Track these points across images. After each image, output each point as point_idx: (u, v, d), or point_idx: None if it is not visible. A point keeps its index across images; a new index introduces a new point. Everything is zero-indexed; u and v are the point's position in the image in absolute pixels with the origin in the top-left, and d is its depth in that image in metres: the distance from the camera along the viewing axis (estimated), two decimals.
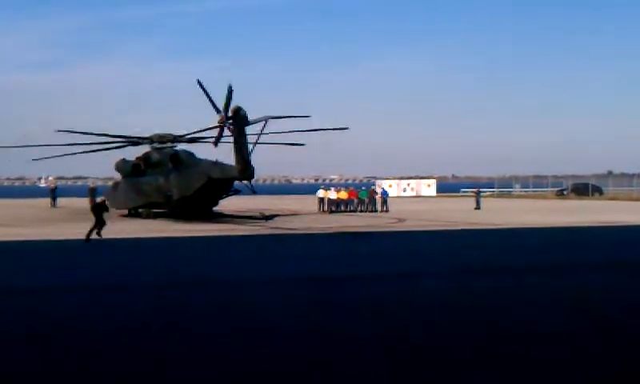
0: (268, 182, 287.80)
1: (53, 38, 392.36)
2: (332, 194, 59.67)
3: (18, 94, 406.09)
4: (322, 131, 54.16)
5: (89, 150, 54.28)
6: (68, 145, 53.27)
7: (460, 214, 52.99)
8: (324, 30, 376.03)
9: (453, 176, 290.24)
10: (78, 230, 33.14)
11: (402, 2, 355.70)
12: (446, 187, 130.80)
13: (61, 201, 70.10)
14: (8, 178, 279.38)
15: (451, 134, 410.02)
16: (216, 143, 43.88)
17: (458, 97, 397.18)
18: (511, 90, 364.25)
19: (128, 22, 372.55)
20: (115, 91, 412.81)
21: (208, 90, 41.36)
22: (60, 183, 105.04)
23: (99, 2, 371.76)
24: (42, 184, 75.08)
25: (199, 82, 41.79)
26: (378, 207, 59.23)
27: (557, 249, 28.50)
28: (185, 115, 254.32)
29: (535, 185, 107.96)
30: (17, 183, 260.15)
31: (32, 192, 68.43)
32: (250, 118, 43.01)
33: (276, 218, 47.91)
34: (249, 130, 42.93)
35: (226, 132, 42.84)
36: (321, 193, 60.18)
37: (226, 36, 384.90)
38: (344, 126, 53.27)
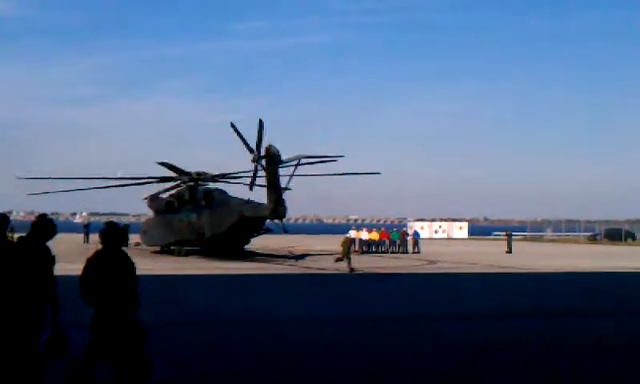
0: (300, 220, 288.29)
1: (95, 74, 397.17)
2: (364, 235, 59.78)
3: (59, 128, 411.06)
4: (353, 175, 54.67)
5: (122, 184, 54.87)
6: (102, 178, 54.18)
7: (491, 256, 52.76)
8: (357, 70, 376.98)
9: (485, 218, 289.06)
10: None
11: (439, 39, 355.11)
12: (477, 230, 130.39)
13: (93, 237, 70.67)
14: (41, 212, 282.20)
15: (484, 175, 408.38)
16: (251, 187, 44.29)
17: (491, 139, 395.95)
18: (544, 133, 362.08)
19: (167, 59, 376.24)
20: (153, 128, 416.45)
21: (244, 129, 42.05)
22: (93, 219, 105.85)
23: (139, 39, 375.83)
24: (77, 220, 75.92)
25: (232, 125, 42.54)
26: (410, 248, 59.26)
27: (585, 294, 28.35)
28: (222, 153, 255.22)
29: (567, 229, 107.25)
30: (50, 217, 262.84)
31: (66, 227, 69.67)
32: (283, 157, 43.52)
33: (307, 258, 48.05)
34: (282, 169, 43.51)
35: (260, 170, 43.36)
36: (352, 233, 60.25)
37: (263, 74, 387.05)
38: (376, 171, 53.54)
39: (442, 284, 32.96)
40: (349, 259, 37.31)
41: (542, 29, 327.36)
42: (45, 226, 10.12)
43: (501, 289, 30.64)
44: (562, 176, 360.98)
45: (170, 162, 50.08)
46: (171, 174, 51.88)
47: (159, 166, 49.74)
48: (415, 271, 39.31)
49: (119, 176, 53.84)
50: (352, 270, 36.28)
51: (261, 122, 42.25)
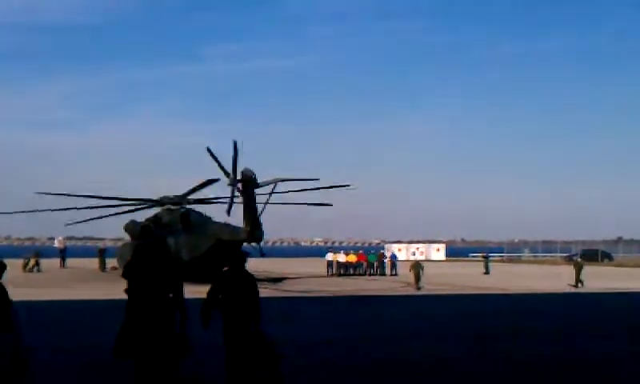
0: (277, 244, 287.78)
1: (66, 99, 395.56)
2: (341, 258, 59.81)
3: (29, 153, 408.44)
4: (330, 190, 54.54)
5: (100, 215, 54.75)
6: (82, 208, 53.90)
7: (468, 278, 52.94)
8: (332, 90, 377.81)
9: (462, 240, 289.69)
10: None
11: (407, 61, 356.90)
12: (455, 251, 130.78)
13: (70, 261, 70.35)
14: (18, 238, 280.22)
15: (461, 197, 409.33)
16: (229, 211, 44.17)
17: (467, 161, 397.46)
18: (519, 154, 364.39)
19: (140, 83, 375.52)
20: (127, 153, 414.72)
21: (220, 153, 41.91)
22: (69, 243, 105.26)
23: (112, 63, 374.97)
24: (56, 245, 75.76)
25: (209, 150, 42.47)
26: (387, 271, 59.36)
27: (564, 315, 28.45)
28: (196, 177, 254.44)
29: (544, 250, 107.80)
30: (27, 243, 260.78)
31: (44, 252, 69.75)
32: (260, 180, 43.49)
33: (285, 281, 47.98)
34: (258, 192, 43.43)
35: (237, 193, 43.29)
36: (330, 256, 60.29)
37: (239, 97, 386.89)
38: (345, 184, 53.18)
39: (420, 305, 32.97)
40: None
41: (517, 52, 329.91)
42: None
43: (472, 311, 30.68)
44: (538, 197, 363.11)
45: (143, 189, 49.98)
46: (149, 197, 51.87)
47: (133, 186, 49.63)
48: (394, 293, 39.36)
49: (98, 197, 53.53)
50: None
51: (235, 144, 42.30)
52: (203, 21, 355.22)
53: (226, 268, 12.41)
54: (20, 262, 57.93)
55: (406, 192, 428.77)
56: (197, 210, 51.81)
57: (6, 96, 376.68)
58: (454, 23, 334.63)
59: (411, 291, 40.54)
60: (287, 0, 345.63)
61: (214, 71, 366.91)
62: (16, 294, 12.27)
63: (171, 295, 11.90)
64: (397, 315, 28.22)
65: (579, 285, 44.16)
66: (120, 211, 54.58)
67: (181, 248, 46.63)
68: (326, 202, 55.10)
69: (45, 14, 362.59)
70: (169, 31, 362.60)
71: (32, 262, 59.57)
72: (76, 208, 54.15)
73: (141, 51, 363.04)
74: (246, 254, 13.02)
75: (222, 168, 42.80)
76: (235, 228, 44.81)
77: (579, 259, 50.14)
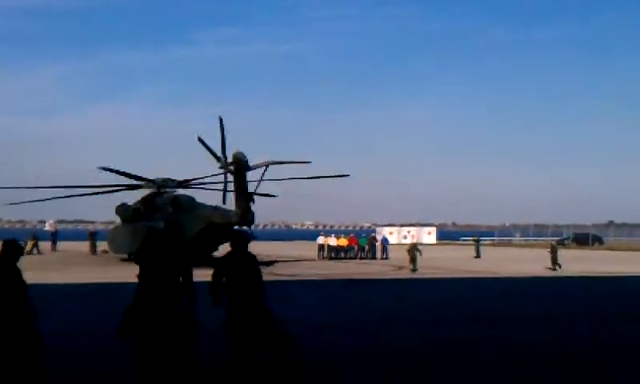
0: (268, 227, 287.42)
1: (59, 83, 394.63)
2: (332, 241, 59.80)
3: (23, 137, 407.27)
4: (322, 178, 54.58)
5: (91, 192, 54.60)
6: (69, 187, 53.78)
7: (459, 262, 53.00)
8: (326, 75, 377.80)
9: (453, 224, 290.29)
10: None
11: (407, 47, 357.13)
12: (446, 235, 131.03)
13: (60, 244, 70.17)
14: (9, 221, 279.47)
15: (453, 181, 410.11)
16: (224, 197, 44.04)
17: (460, 145, 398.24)
18: (513, 137, 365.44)
19: (133, 67, 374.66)
20: (119, 136, 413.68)
21: (213, 137, 41.93)
22: (61, 226, 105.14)
23: (109, 47, 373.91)
24: (47, 228, 75.42)
25: (200, 139, 42.52)
26: (378, 254, 59.37)
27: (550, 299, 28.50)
28: (187, 161, 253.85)
29: (536, 234, 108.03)
30: (17, 225, 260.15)
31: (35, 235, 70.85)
32: (251, 163, 43.38)
33: (276, 264, 47.91)
34: (249, 175, 43.36)
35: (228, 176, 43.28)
36: (321, 239, 60.26)
37: (234, 82, 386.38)
38: (345, 173, 53.24)
39: (401, 290, 32.96)
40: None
41: (508, 39, 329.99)
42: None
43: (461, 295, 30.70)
44: (529, 181, 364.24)
45: (118, 168, 49.64)
46: (138, 181, 51.69)
47: (104, 171, 49.24)
48: (383, 277, 39.41)
49: (87, 185, 53.47)
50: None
51: (221, 120, 42.36)
52: (198, 5, 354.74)
53: (228, 250, 12.55)
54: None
55: (399, 177, 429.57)
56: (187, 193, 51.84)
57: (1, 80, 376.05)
58: (452, 10, 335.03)
59: (401, 274, 40.65)
60: None
61: (207, 55, 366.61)
62: None
63: (181, 279, 12.15)
64: (384, 299, 28.25)
65: (556, 267, 44.81)
66: (111, 191, 54.38)
67: None
68: (340, 174, 53.92)
69: None
70: (163, 16, 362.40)
71: (30, 244, 59.61)
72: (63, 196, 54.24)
73: (136, 35, 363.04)
74: (248, 236, 13.03)
75: (214, 155, 42.85)
76: (226, 211, 44.72)
77: (554, 242, 50.74)
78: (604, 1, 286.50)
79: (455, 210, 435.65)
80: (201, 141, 42.90)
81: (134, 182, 52.34)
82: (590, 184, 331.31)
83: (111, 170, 49.28)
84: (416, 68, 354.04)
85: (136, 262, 12.37)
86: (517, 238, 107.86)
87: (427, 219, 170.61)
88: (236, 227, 45.40)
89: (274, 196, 55.55)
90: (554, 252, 45.93)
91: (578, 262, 51.97)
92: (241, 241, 12.58)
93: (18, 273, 11.35)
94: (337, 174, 53.20)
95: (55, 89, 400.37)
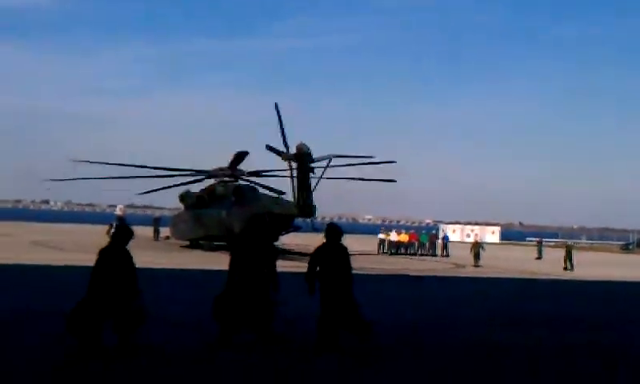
0: (335, 219, 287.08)
1: (129, 67, 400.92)
2: (393, 236, 59.96)
3: (90, 120, 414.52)
4: (384, 168, 54.55)
5: (157, 175, 55.32)
6: (137, 177, 54.59)
7: (518, 262, 52.78)
8: (386, 70, 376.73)
9: (520, 223, 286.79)
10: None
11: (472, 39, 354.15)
12: (512, 235, 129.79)
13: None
14: (79, 204, 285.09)
15: (522, 180, 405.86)
16: (294, 191, 44.40)
17: (528, 144, 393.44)
18: (582, 137, 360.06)
19: (199, 55, 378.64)
20: (185, 123, 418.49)
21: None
22: (130, 211, 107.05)
23: (174, 34, 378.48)
24: (117, 212, 77.22)
25: (268, 146, 43.08)
26: (438, 251, 59.28)
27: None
28: (253, 151, 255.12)
29: (601, 237, 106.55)
30: (87, 209, 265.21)
31: (104, 218, 72.85)
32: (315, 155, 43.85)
33: None
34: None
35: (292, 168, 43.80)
36: (382, 234, 60.48)
37: (296, 72, 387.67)
38: (392, 179, 52.95)
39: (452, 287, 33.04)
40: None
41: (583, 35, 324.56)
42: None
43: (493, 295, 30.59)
44: (605, 184, 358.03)
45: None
46: (207, 168, 52.57)
47: (188, 156, 50.04)
48: (441, 274, 39.53)
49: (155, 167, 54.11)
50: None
51: (276, 106, 42.91)
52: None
53: (323, 241, 14.00)
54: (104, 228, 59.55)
55: (465, 174, 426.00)
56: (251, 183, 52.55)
57: (73, 62, 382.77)
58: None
59: (456, 272, 40.85)
60: None
61: (271, 46, 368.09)
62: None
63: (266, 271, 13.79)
64: (435, 296, 28.40)
65: (569, 267, 47.09)
66: (177, 183, 55.28)
67: (233, 220, 47.18)
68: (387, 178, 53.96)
69: None
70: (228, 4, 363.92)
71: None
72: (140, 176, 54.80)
73: (199, 23, 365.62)
74: (341, 230, 14.27)
75: (280, 154, 43.50)
76: (286, 202, 45.28)
77: (570, 243, 53.00)
78: None
79: (523, 210, 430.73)
80: (269, 148, 43.45)
81: (206, 169, 53.24)
82: None
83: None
84: (480, 63, 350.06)
85: (232, 253, 14.01)
86: (582, 241, 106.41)
87: (494, 218, 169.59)
88: (298, 219, 46.10)
89: (393, 181, 54.73)
90: (568, 252, 48.33)
91: (619, 267, 51.83)
92: (334, 234, 14.04)
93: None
94: (383, 179, 52.93)
95: (126, 71, 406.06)
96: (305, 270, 14.02)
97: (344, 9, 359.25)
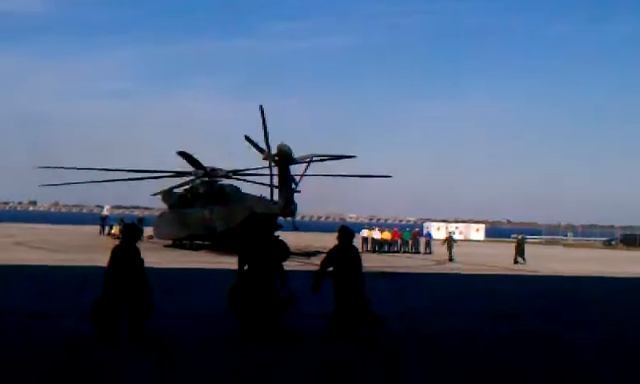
0: (323, 218, 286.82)
1: (124, 69, 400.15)
2: (376, 234, 60.27)
3: (84, 122, 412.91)
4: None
5: (139, 177, 55.40)
6: (122, 170, 54.82)
7: (498, 258, 53.20)
8: (380, 70, 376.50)
9: (507, 221, 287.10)
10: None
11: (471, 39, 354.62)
12: (498, 232, 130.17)
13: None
14: (65, 205, 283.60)
15: (508, 178, 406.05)
16: (272, 190, 44.84)
17: (516, 143, 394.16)
18: (568, 136, 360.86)
19: (198, 55, 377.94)
20: (173, 124, 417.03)
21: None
22: (118, 212, 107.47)
23: (171, 35, 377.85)
24: (104, 212, 77.72)
25: (246, 137, 43.63)
26: (421, 249, 59.56)
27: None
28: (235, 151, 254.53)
29: (585, 234, 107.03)
30: (74, 210, 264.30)
31: (92, 219, 73.15)
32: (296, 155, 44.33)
33: (317, 256, 48.44)
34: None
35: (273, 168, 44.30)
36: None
37: (292, 74, 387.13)
38: (388, 174, 53.96)
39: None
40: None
41: (571, 35, 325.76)
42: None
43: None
44: (591, 181, 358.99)
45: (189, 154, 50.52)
46: (187, 168, 52.50)
47: (178, 157, 50.14)
48: (417, 271, 40.05)
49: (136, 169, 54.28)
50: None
51: (261, 108, 43.19)
52: None
53: (336, 243, 15.54)
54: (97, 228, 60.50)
55: (453, 172, 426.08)
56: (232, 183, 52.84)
57: (62, 63, 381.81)
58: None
59: (435, 269, 41.34)
60: None
61: (264, 48, 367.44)
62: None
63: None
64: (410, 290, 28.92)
65: (520, 261, 48.20)
66: (159, 176, 55.31)
67: (216, 219, 47.44)
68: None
69: None
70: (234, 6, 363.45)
71: (116, 229, 60.62)
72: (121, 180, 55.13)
73: (188, 25, 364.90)
74: (353, 232, 15.92)
75: (259, 149, 43.99)
76: (270, 202, 45.50)
77: (519, 237, 52.37)
78: None
79: (511, 208, 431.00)
80: (247, 139, 43.94)
81: (185, 170, 53.32)
82: None
83: (183, 155, 50.40)
84: (466, 62, 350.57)
85: (240, 256, 15.34)
86: (566, 238, 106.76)
87: (482, 216, 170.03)
88: (280, 218, 46.37)
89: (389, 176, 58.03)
90: (518, 246, 49.33)
91: (596, 263, 52.64)
92: (347, 236, 15.60)
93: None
94: (379, 175, 53.62)
95: (115, 74, 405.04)
96: (304, 269, 15.46)
97: (333, 12, 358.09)
